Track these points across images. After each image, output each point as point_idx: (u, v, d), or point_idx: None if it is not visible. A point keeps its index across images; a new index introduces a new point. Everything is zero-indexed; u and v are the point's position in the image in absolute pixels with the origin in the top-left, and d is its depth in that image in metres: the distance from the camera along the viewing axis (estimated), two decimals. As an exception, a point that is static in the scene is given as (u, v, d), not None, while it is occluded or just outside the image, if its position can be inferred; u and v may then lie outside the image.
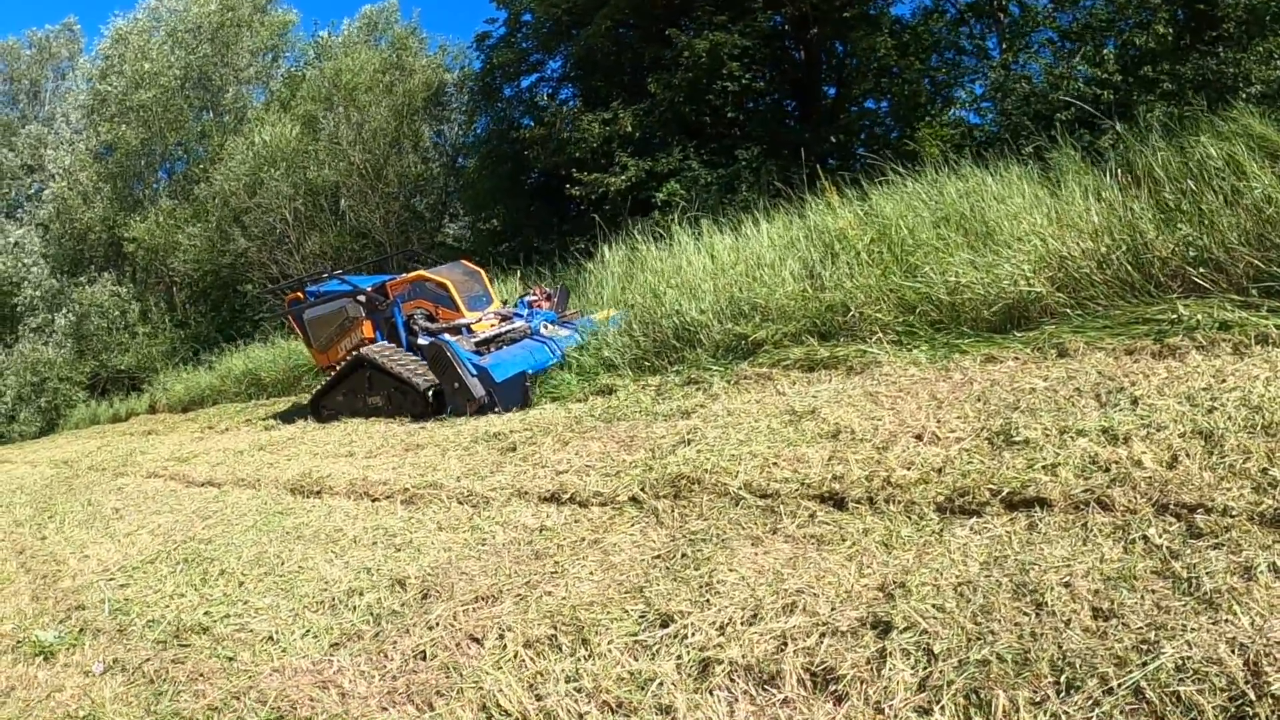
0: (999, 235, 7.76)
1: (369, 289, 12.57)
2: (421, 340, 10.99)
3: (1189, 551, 3.05)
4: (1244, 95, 10.28)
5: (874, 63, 20.83)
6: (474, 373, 9.42)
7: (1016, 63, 16.21)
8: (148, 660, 4.37)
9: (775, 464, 4.86)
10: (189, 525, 7.30)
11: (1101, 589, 2.94)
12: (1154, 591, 2.87)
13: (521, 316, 11.19)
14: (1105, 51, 13.49)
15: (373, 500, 6.59)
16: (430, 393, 10.14)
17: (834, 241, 9.36)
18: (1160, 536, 3.18)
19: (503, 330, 10.58)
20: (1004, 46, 19.04)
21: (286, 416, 14.15)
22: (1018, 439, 4.33)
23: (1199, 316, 5.44)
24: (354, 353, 11.96)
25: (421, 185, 29.27)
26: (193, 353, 28.73)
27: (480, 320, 11.11)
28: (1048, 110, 13.05)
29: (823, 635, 3.06)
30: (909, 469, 4.31)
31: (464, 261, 13.02)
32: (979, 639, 2.83)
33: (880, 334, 7.06)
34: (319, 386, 12.85)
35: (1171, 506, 3.36)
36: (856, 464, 4.53)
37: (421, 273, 12.17)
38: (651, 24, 20.04)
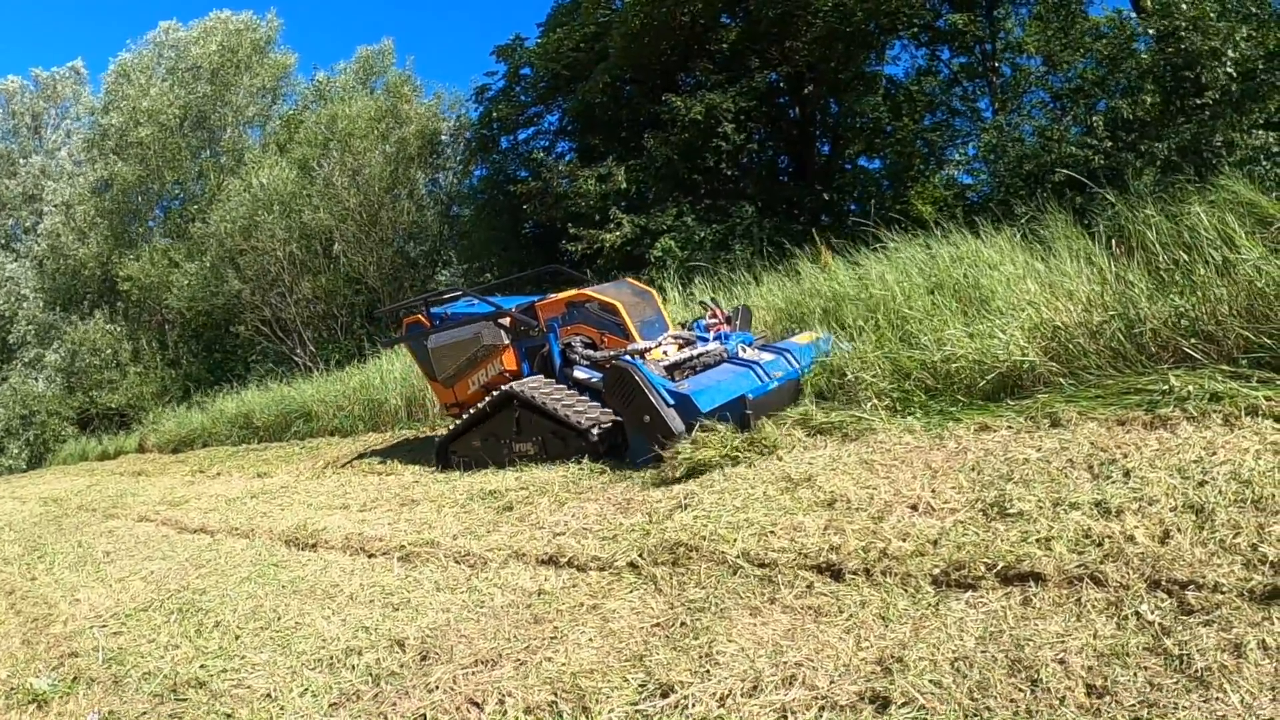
0: (993, 303, 7.85)
1: (514, 310, 10.51)
2: (579, 373, 9.50)
3: (1180, 628, 3.11)
4: (1228, 162, 10.39)
5: (867, 122, 21.08)
6: (671, 402, 7.54)
7: (1009, 124, 16.42)
8: (144, 714, 4.40)
9: (772, 532, 4.91)
10: (182, 573, 7.31)
11: (1095, 666, 3.00)
12: (1146, 669, 2.93)
13: (705, 340, 9.27)
14: (1095, 118, 13.66)
15: (369, 556, 6.60)
16: (597, 435, 8.46)
17: (832, 305, 9.46)
18: (1152, 613, 3.24)
19: (694, 354, 8.73)
20: (996, 107, 19.29)
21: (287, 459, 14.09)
22: (1011, 511, 4.38)
23: (1190, 387, 5.49)
24: (491, 389, 10.13)
25: (415, 232, 29.48)
26: (183, 392, 28.76)
27: (655, 348, 9.07)
28: (1039, 171, 13.22)
29: (822, 709, 3.11)
30: (904, 540, 4.36)
31: (629, 280, 11.09)
32: (975, 715, 2.89)
33: (875, 399, 7.12)
34: (448, 429, 10.66)
35: (1163, 582, 3.42)
36: (853, 534, 4.58)
37: (584, 291, 10.06)
38: (650, 80, 20.34)
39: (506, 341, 10.52)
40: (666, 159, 18.82)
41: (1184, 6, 11.80)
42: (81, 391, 31.91)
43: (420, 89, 31.64)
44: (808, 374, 8.16)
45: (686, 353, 8.79)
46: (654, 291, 10.51)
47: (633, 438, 7.89)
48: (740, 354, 8.55)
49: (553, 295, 10.42)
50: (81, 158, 36.63)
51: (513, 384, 9.53)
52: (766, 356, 8.35)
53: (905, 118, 21.21)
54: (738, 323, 9.68)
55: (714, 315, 9.76)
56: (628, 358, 8.29)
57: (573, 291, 10.14)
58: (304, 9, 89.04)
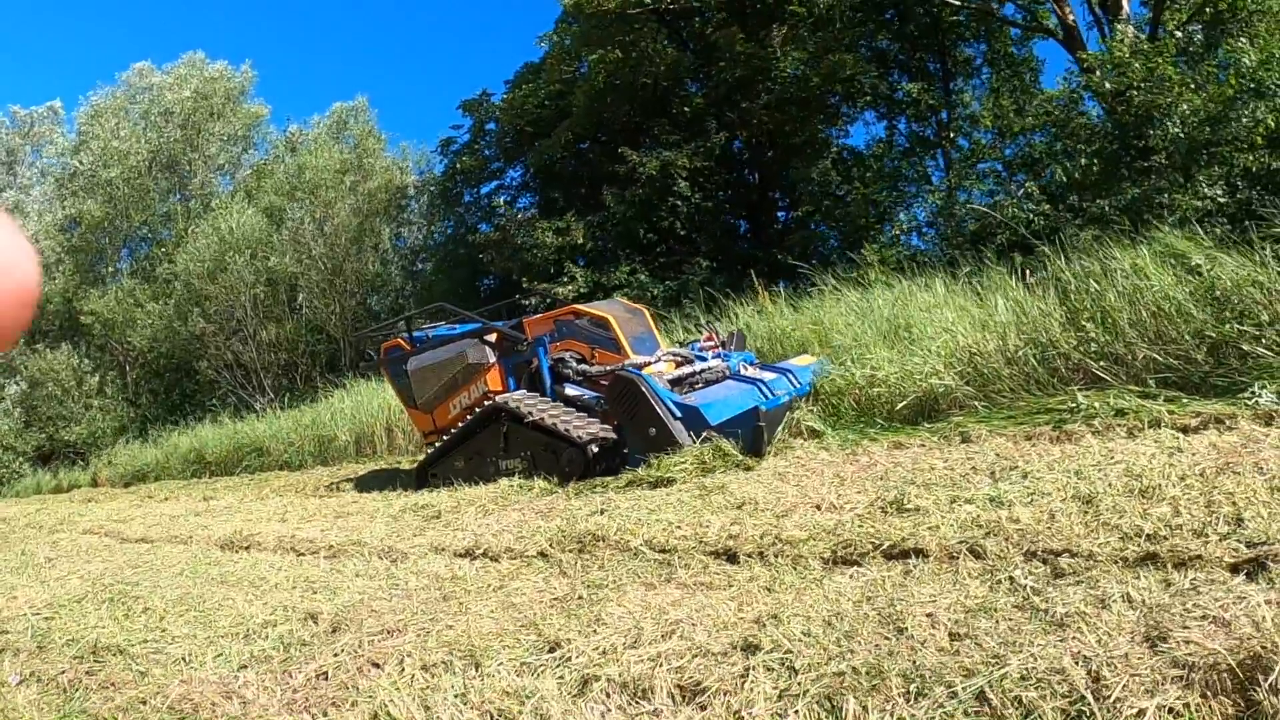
0: (917, 334, 8.10)
1: (501, 328, 10.00)
2: (571, 390, 9.08)
3: (1050, 589, 3.26)
4: (1168, 222, 10.63)
5: (817, 189, 21.40)
6: (678, 414, 7.29)
7: (963, 189, 16.76)
8: (63, 672, 4.48)
9: (678, 527, 5.11)
10: (119, 572, 7.35)
11: (961, 619, 3.14)
12: (1010, 620, 3.07)
13: (705, 359, 9.03)
14: (1037, 184, 14.00)
15: (298, 554, 6.71)
16: (593, 448, 7.95)
17: (770, 340, 9.68)
18: (1025, 577, 3.40)
19: (695, 369, 8.56)
20: (949, 174, 19.64)
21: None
22: (909, 507, 4.56)
23: (1096, 404, 5.77)
24: (473, 409, 9.61)
25: (378, 285, 29.68)
26: (140, 431, 28.56)
27: (651, 365, 8.65)
28: (983, 232, 13.54)
29: (695, 656, 3.24)
30: (801, 530, 4.53)
31: (620, 299, 10.96)
32: (838, 656, 3.01)
33: (804, 415, 7.39)
34: (428, 452, 10.16)
35: (1040, 553, 3.59)
36: (754, 527, 4.79)
37: (575, 307, 9.82)
38: (611, 138, 20.65)
39: (492, 360, 9.97)
40: (623, 215, 19.22)
41: (1136, 66, 12.11)
42: (39, 427, 31.57)
43: (384, 141, 32.05)
44: (807, 394, 8.14)
45: (686, 369, 8.60)
46: (645, 310, 10.16)
47: (635, 448, 7.55)
48: (742, 371, 8.53)
49: (541, 314, 10.19)
50: (52, 195, 36.57)
51: (501, 398, 9.10)
52: (769, 375, 8.23)
53: (856, 182, 21.53)
54: (733, 346, 9.61)
55: (709, 339, 9.68)
56: (632, 369, 8.03)
57: (568, 307, 9.95)
58: (278, 62, 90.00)
